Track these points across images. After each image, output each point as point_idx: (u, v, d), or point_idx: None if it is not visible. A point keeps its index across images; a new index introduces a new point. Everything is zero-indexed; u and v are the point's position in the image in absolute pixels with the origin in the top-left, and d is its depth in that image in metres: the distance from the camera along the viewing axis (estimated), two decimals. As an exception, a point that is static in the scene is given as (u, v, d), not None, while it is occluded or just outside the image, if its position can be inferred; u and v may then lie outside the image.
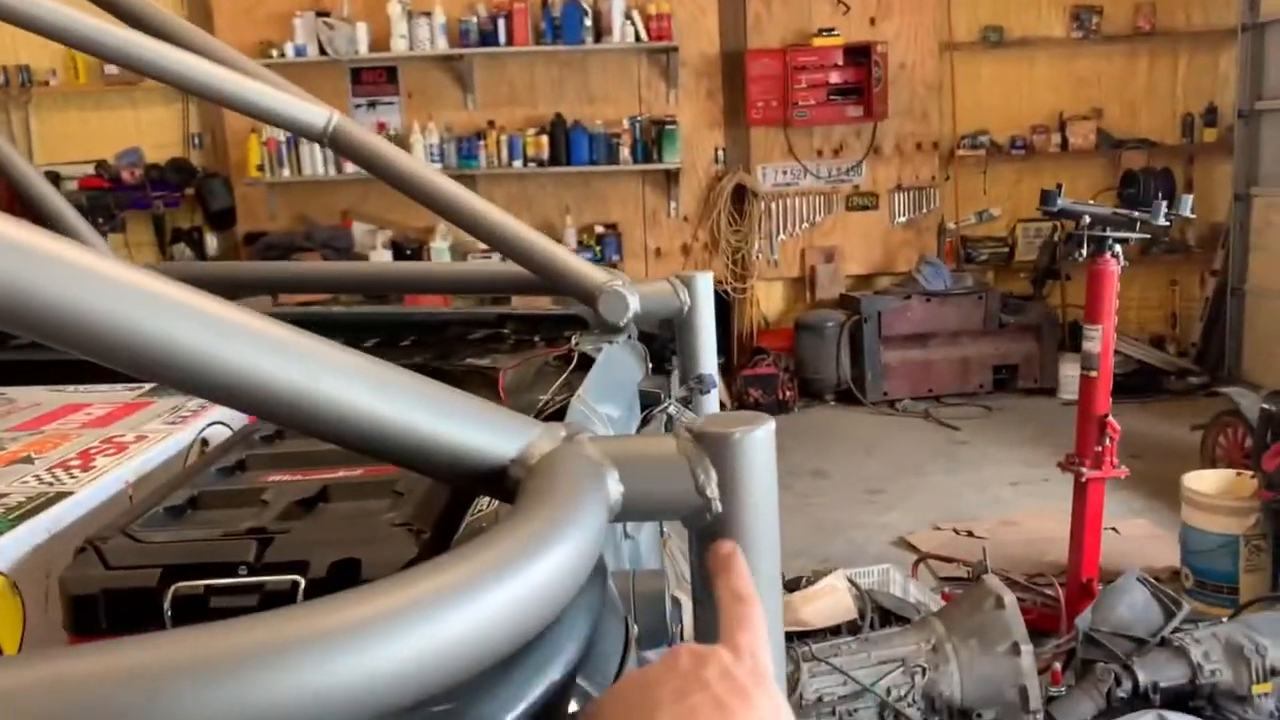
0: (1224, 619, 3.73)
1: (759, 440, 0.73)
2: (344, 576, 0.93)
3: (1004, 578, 3.71)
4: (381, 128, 7.58)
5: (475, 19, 7.58)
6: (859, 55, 7.76)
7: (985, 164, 8.22)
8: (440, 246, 7.64)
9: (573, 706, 0.69)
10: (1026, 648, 3.28)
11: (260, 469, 1.20)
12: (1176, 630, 3.52)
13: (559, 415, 1.20)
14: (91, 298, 0.53)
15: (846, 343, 7.82)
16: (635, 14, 7.58)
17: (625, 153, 7.79)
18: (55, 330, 0.53)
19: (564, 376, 1.48)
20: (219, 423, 1.42)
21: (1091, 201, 5.21)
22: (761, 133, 8.03)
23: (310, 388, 0.61)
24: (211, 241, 7.95)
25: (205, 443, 1.39)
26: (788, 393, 7.72)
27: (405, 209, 7.17)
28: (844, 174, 8.17)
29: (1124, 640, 3.50)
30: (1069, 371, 7.08)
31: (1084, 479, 4.14)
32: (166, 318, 0.56)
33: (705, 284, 1.76)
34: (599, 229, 7.98)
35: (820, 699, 3.21)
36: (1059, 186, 4.25)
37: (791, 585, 3.78)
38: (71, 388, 1.58)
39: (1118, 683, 3.38)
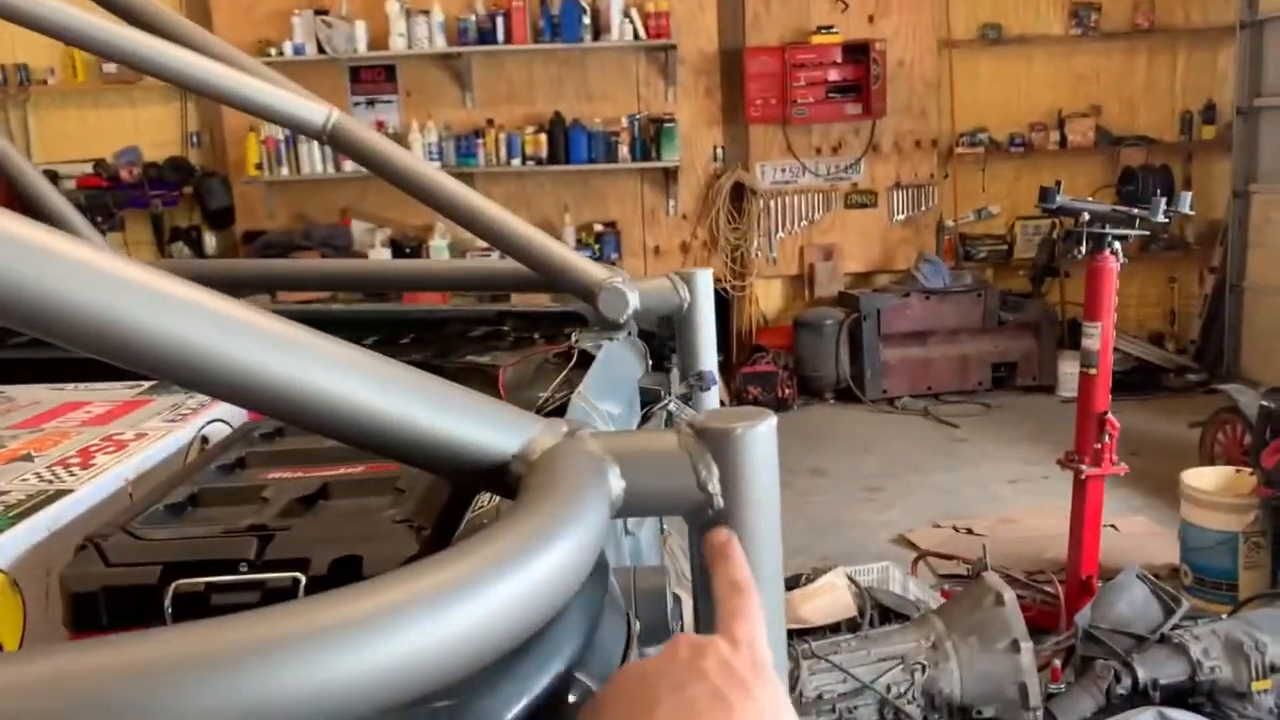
0: (1223, 616, 3.73)
1: (761, 436, 0.72)
2: (345, 573, 0.93)
3: (1003, 575, 3.71)
4: (380, 126, 7.57)
5: (474, 17, 7.58)
6: (857, 53, 7.75)
7: (984, 161, 8.22)
8: (439, 244, 7.63)
9: (571, 698, 0.68)
10: (1026, 645, 3.28)
11: (260, 466, 1.20)
12: (1176, 627, 3.52)
13: (559, 412, 1.20)
14: (91, 293, 0.53)
15: (845, 340, 7.81)
16: (634, 12, 7.58)
17: (624, 151, 7.79)
18: (55, 326, 0.53)
19: (564, 373, 1.48)
20: (219, 420, 1.42)
21: (1090, 199, 5.21)
22: (760, 130, 8.02)
23: (311, 383, 0.61)
24: (210, 240, 7.94)
25: (205, 440, 1.39)
26: (787, 391, 7.72)
27: (404, 207, 7.17)
28: (843, 172, 8.16)
29: (1124, 637, 3.50)
30: (1068, 369, 7.08)
31: (1083, 476, 4.14)
32: (166, 312, 0.56)
33: (705, 281, 1.76)
34: (598, 227, 7.98)
35: (820, 696, 3.22)
36: (1058, 184, 4.25)
37: (791, 583, 3.77)
38: (71, 386, 1.58)
39: (1117, 680, 3.38)
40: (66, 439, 1.33)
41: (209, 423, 1.41)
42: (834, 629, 3.53)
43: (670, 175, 7.99)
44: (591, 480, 0.67)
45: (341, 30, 7.52)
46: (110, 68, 7.46)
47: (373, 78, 7.83)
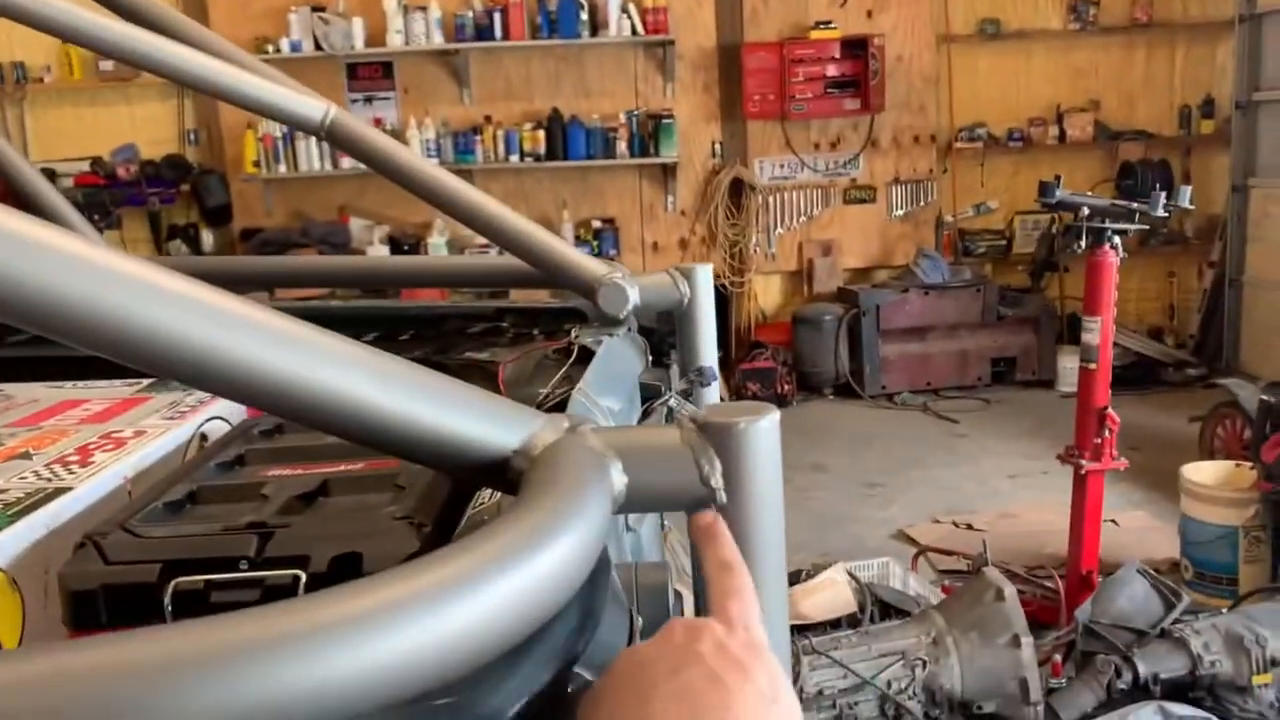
0: (1224, 610, 3.74)
1: (763, 430, 0.72)
2: (345, 571, 0.93)
3: (1004, 570, 3.71)
4: (378, 123, 7.56)
5: (471, 13, 7.57)
6: (856, 48, 7.75)
7: (983, 156, 8.22)
8: (437, 241, 7.63)
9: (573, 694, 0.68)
10: (1027, 640, 3.28)
11: (260, 463, 1.20)
12: (1176, 621, 3.53)
13: (560, 408, 1.19)
14: (90, 289, 0.53)
15: (844, 336, 7.81)
16: (631, 7, 7.57)
17: (622, 147, 7.79)
18: (53, 322, 0.53)
19: (564, 370, 1.48)
20: (218, 417, 1.42)
21: (1089, 193, 5.21)
22: (758, 126, 8.02)
23: (311, 379, 0.61)
24: (208, 238, 7.93)
25: (204, 437, 1.39)
26: (786, 386, 7.72)
27: (402, 204, 7.16)
28: (841, 167, 8.16)
29: (1124, 632, 3.50)
30: (1067, 364, 7.08)
31: (1083, 471, 4.14)
32: (165, 309, 0.55)
33: (705, 276, 1.75)
34: (596, 223, 7.98)
35: (821, 692, 3.22)
36: (1057, 178, 4.25)
37: (791, 579, 3.77)
38: (70, 384, 1.57)
39: (1118, 674, 3.39)
40: (65, 437, 1.32)
41: (208, 420, 1.41)
42: (834, 625, 3.53)
43: (669, 171, 7.98)
44: (593, 476, 0.67)
45: (339, 27, 7.51)
46: (107, 65, 7.45)
47: (370, 74, 7.82)
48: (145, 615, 0.91)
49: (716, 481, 0.71)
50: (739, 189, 8.05)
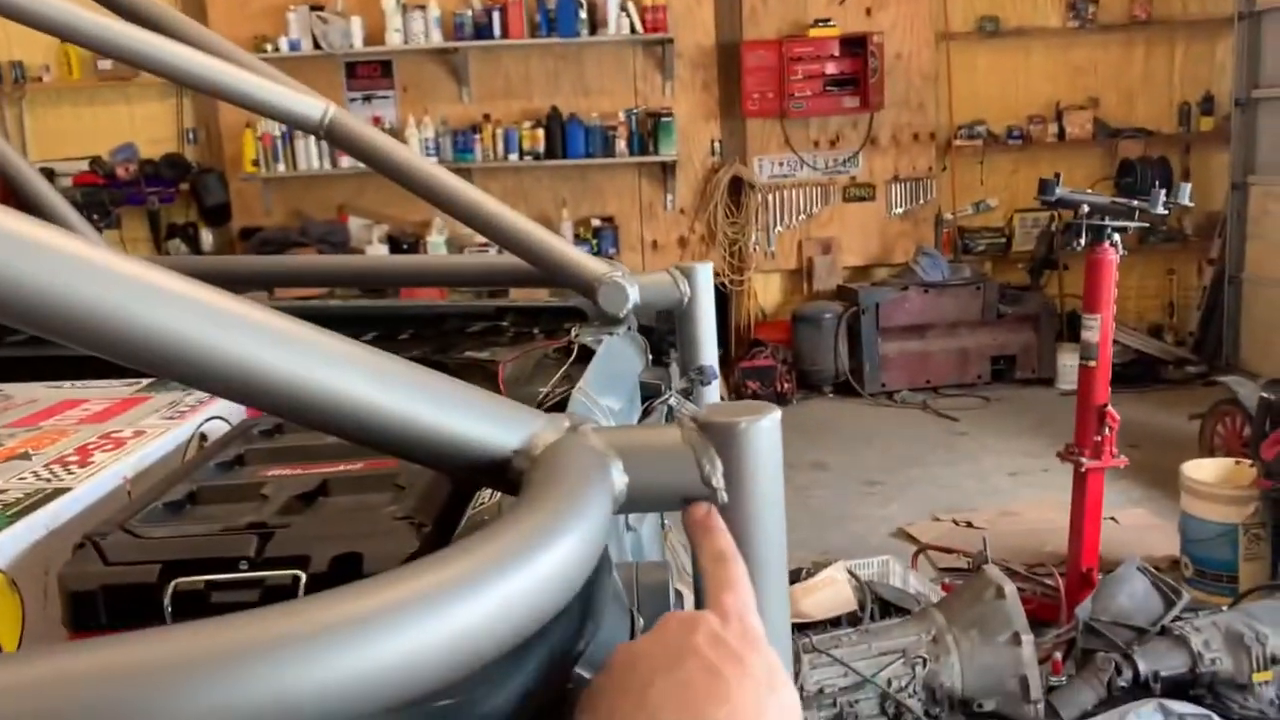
0: (1224, 607, 3.74)
1: (765, 430, 0.72)
2: (345, 571, 0.93)
3: (1004, 568, 3.71)
4: (377, 122, 7.56)
5: (470, 12, 7.56)
6: (855, 46, 7.74)
7: (982, 154, 8.22)
8: (436, 240, 7.62)
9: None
10: (1027, 638, 3.28)
11: (259, 463, 1.20)
12: (1177, 619, 3.53)
13: (560, 407, 1.19)
14: (88, 289, 0.52)
15: (844, 334, 7.81)
16: (630, 6, 7.56)
17: (621, 145, 7.78)
18: (52, 322, 0.52)
19: (564, 369, 1.48)
20: (217, 417, 1.42)
21: (1089, 191, 5.21)
22: (758, 124, 8.01)
23: (311, 379, 0.61)
24: (207, 237, 7.93)
25: (204, 437, 1.39)
26: (785, 385, 7.72)
27: (401, 203, 7.16)
28: (840, 165, 8.16)
29: (1124, 629, 3.51)
30: (1067, 361, 7.08)
31: (1083, 469, 4.14)
32: (164, 308, 0.55)
33: (705, 275, 1.75)
34: (595, 222, 7.98)
35: (821, 690, 3.22)
36: (1057, 176, 4.24)
37: (791, 577, 3.77)
38: (69, 383, 1.57)
39: (1118, 672, 3.39)
40: (64, 437, 1.32)
41: (207, 420, 1.40)
42: (834, 623, 3.53)
43: (668, 169, 7.98)
44: (594, 476, 0.67)
45: (337, 26, 7.51)
46: (106, 64, 7.44)
47: (369, 73, 7.81)
48: (145, 616, 0.91)
49: (718, 481, 0.71)
50: (738, 187, 8.04)
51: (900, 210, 8.25)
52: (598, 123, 7.76)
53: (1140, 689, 3.37)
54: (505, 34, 7.56)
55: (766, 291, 8.34)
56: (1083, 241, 4.06)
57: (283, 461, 1.18)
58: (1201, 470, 4.58)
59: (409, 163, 1.65)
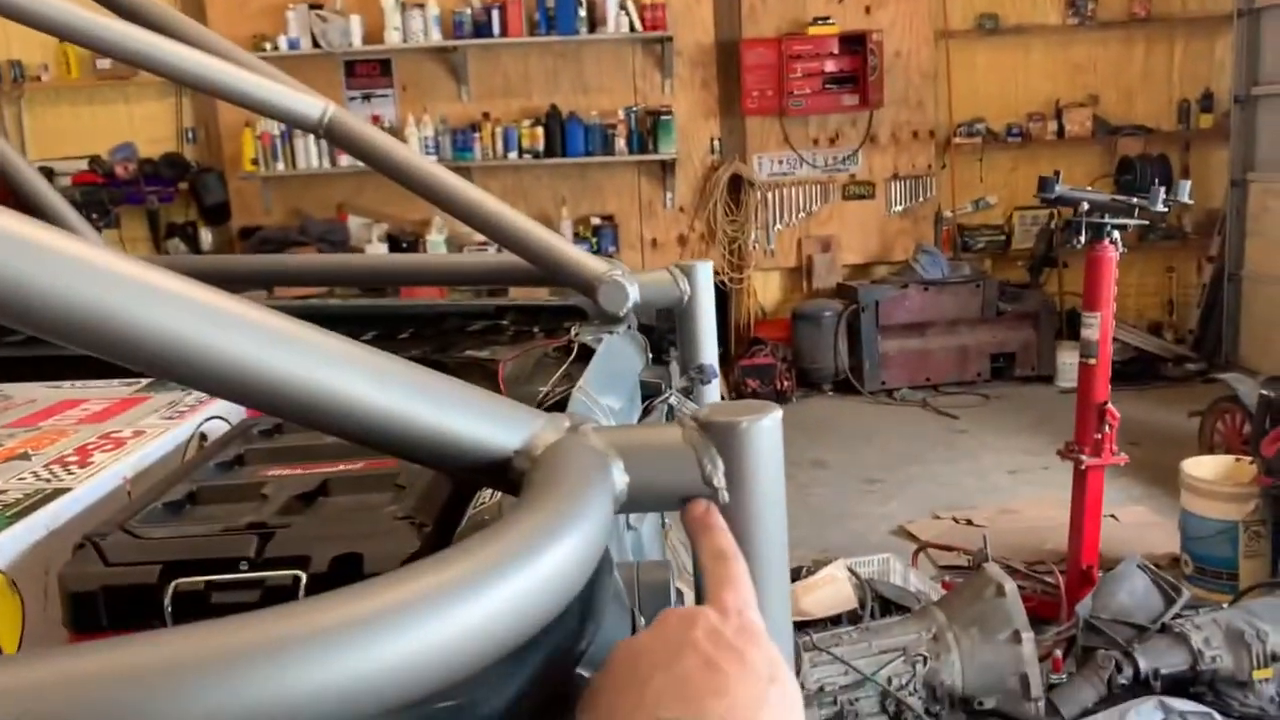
0: (1224, 605, 3.74)
1: (766, 429, 0.72)
2: (346, 571, 0.93)
3: (1004, 566, 3.71)
4: (376, 120, 7.56)
5: (469, 10, 7.56)
6: (854, 44, 7.74)
7: (981, 152, 8.21)
8: (436, 239, 7.62)
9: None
10: (1027, 635, 3.28)
11: (259, 463, 1.19)
12: (1177, 616, 3.53)
13: (560, 406, 1.19)
14: (87, 289, 0.52)
15: (844, 332, 7.81)
16: (630, 4, 7.56)
17: (621, 143, 7.78)
18: (51, 323, 0.52)
19: (564, 368, 1.48)
20: (217, 417, 1.41)
21: (1088, 188, 5.21)
22: (757, 122, 8.01)
23: (310, 379, 0.60)
24: (206, 236, 7.93)
25: (203, 437, 1.38)
26: (785, 383, 7.72)
27: (401, 202, 7.16)
28: (840, 163, 8.15)
29: (1125, 627, 3.50)
30: (1066, 359, 7.08)
31: (1083, 466, 4.14)
32: (163, 308, 0.55)
33: (705, 273, 1.75)
34: (595, 220, 7.97)
35: (822, 689, 3.22)
36: (1057, 173, 4.24)
37: (792, 575, 3.76)
38: (68, 383, 1.57)
39: (1119, 669, 3.39)
40: (64, 437, 1.32)
41: (207, 420, 1.40)
42: (835, 621, 3.53)
43: (667, 168, 7.97)
44: (596, 476, 0.67)
45: (336, 24, 7.50)
46: (104, 64, 7.44)
47: (368, 72, 7.80)
48: (145, 616, 0.91)
49: (719, 481, 0.70)
50: (738, 185, 8.04)
51: (900, 208, 8.25)
52: (597, 121, 7.76)
53: (1141, 686, 3.37)
54: (504, 32, 7.56)
55: (766, 290, 8.34)
56: (1082, 239, 4.05)
57: (283, 461, 1.18)
58: (1201, 467, 4.58)
59: (408, 161, 1.65)
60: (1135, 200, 4.06)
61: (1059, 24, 8.12)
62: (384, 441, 0.65)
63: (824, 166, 8.14)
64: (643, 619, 0.80)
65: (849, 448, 6.68)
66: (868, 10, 7.92)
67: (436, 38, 7.57)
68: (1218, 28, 7.96)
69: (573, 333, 1.62)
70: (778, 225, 8.17)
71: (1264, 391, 4.64)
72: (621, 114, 7.78)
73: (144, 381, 1.54)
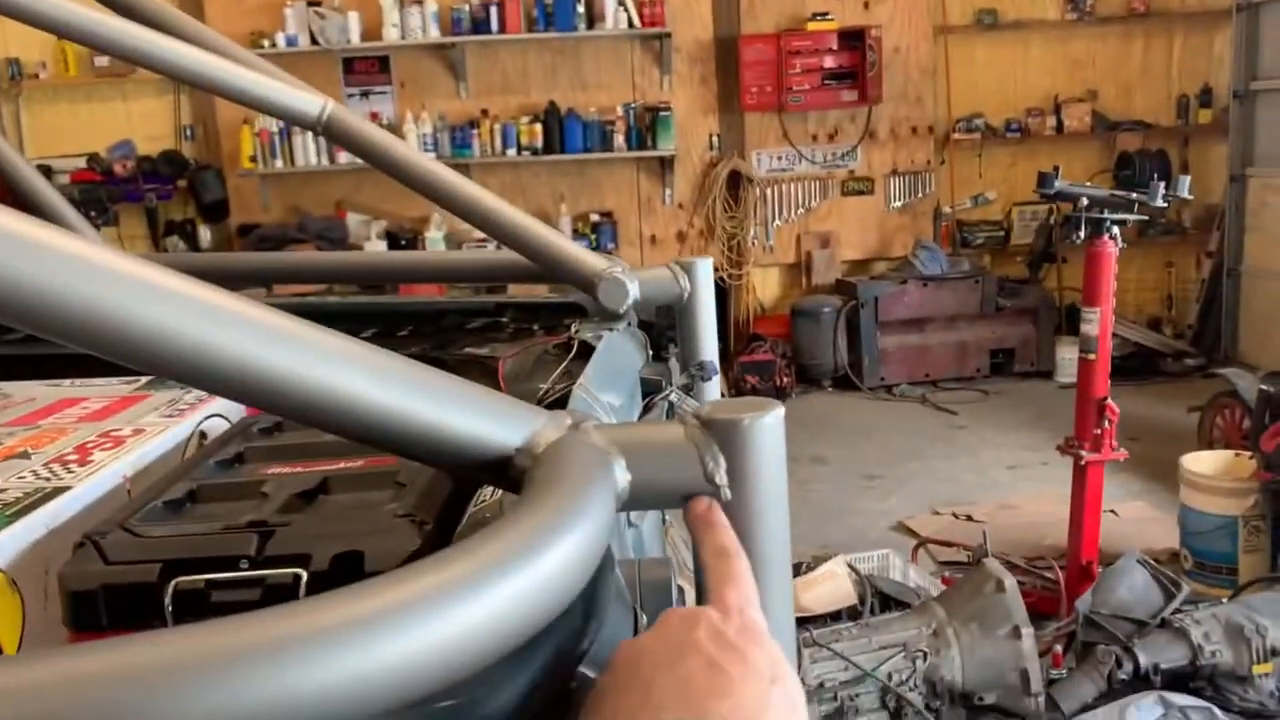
0: (1224, 600, 3.74)
1: (768, 426, 0.71)
2: (346, 569, 0.92)
3: (1004, 561, 3.71)
4: (374, 118, 7.55)
5: (467, 7, 7.55)
6: (853, 39, 7.73)
7: (980, 147, 8.21)
8: (435, 236, 7.61)
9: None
10: (1027, 631, 3.28)
11: (259, 461, 1.19)
12: (1177, 612, 3.53)
13: (560, 404, 1.19)
14: (86, 287, 0.52)
15: (843, 328, 7.81)
16: (628, 0, 7.55)
17: (619, 140, 7.77)
18: (50, 321, 0.52)
19: (564, 365, 1.47)
20: (217, 415, 1.41)
21: (1088, 184, 5.20)
22: (756, 118, 8.00)
23: (310, 377, 0.60)
24: (205, 234, 7.92)
25: (203, 435, 1.38)
26: (785, 379, 7.72)
27: (400, 199, 7.15)
28: (839, 159, 8.15)
29: (1124, 622, 3.51)
30: (1066, 354, 7.09)
31: (1083, 462, 4.14)
32: (162, 307, 0.55)
33: (705, 270, 1.74)
34: (594, 217, 7.97)
35: (822, 685, 3.22)
36: (1056, 169, 4.24)
37: (792, 571, 3.77)
38: (68, 382, 1.56)
39: (1119, 664, 3.39)
40: (63, 435, 1.31)
41: (207, 418, 1.40)
42: (835, 617, 3.53)
43: (666, 164, 7.97)
44: (597, 473, 0.66)
45: (334, 21, 7.49)
46: (102, 61, 7.43)
47: (366, 69, 7.79)
48: (146, 615, 0.91)
49: (721, 478, 0.70)
50: (737, 181, 8.04)
51: (899, 204, 8.25)
52: (596, 117, 7.75)
53: (1140, 681, 3.37)
54: (503, 28, 7.55)
55: (765, 286, 8.34)
56: (1081, 234, 4.05)
57: (283, 459, 1.18)
58: (1201, 463, 4.58)
59: (407, 158, 1.65)
60: (1134, 195, 4.06)
61: (1058, 19, 8.11)
62: (384, 439, 0.65)
63: (823, 162, 8.13)
64: (644, 617, 0.80)
65: (848, 444, 6.68)
66: (866, 6, 7.91)
67: (435, 34, 7.56)
68: (1216, 22, 7.96)
69: (573, 330, 1.62)
70: (777, 221, 8.17)
71: (1263, 386, 4.65)
72: (620, 110, 7.77)
73: (143, 380, 1.54)
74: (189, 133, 7.93)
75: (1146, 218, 4.22)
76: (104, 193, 7.54)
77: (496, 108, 7.79)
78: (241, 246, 7.63)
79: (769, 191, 8.11)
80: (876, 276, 8.11)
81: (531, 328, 1.82)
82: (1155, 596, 3.61)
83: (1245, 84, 7.53)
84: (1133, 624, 3.50)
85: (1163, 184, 4.04)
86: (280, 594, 0.91)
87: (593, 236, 7.81)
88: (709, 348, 1.74)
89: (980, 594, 3.37)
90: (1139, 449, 5.18)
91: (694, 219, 8.11)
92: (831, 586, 3.65)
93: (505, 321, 1.89)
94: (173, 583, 0.91)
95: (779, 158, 8.11)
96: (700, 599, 0.74)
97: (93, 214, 7.11)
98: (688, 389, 1.54)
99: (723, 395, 2.62)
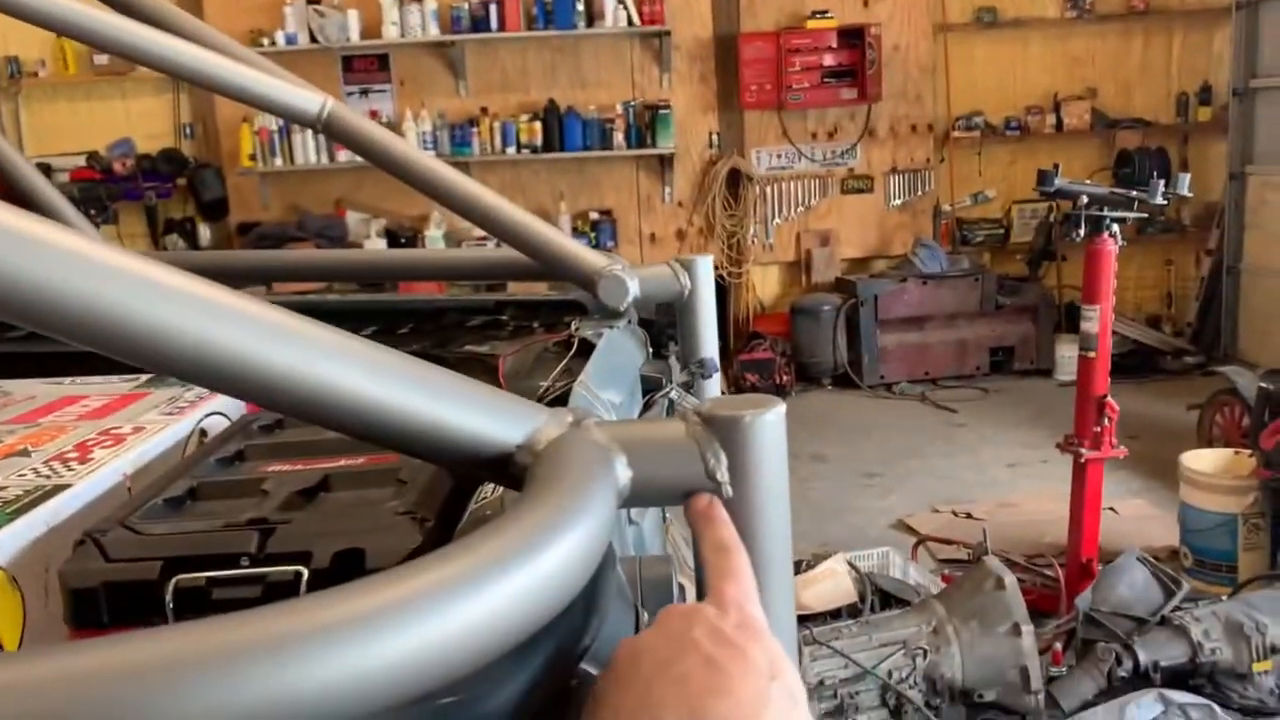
0: (1223, 597, 3.74)
1: (770, 423, 0.71)
2: (347, 566, 0.92)
3: (1003, 559, 3.71)
4: (374, 116, 7.53)
5: (467, 5, 7.54)
6: (852, 37, 7.73)
7: (980, 145, 8.21)
8: (435, 234, 7.61)
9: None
10: (1027, 628, 3.28)
11: (260, 459, 1.19)
12: (1176, 609, 3.53)
13: (561, 401, 1.19)
14: (86, 284, 0.52)
15: (843, 326, 7.81)
16: (628, -2, 7.55)
17: (619, 138, 7.77)
18: (50, 319, 0.52)
19: (564, 362, 1.47)
20: (217, 413, 1.41)
21: (1087, 181, 5.20)
22: (755, 116, 8.00)
23: (311, 374, 0.60)
24: (204, 232, 7.92)
25: (204, 433, 1.38)
26: (784, 377, 7.72)
27: (399, 197, 7.15)
28: (838, 157, 8.15)
29: (1124, 620, 3.51)
30: (1065, 352, 7.09)
31: (1083, 459, 4.14)
32: (162, 304, 0.55)
33: (705, 267, 1.75)
34: (593, 215, 7.96)
35: (822, 682, 3.22)
36: (1056, 167, 4.24)
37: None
38: (68, 379, 1.56)
39: (1118, 662, 3.39)
40: (64, 433, 1.31)
41: (207, 415, 1.40)
42: (835, 615, 3.53)
43: (666, 162, 7.97)
44: (599, 471, 0.66)
45: (334, 19, 7.49)
46: (102, 59, 7.42)
47: (366, 67, 7.79)
48: (146, 613, 0.91)
49: (722, 475, 0.70)
50: (736, 179, 8.03)
51: (898, 202, 8.24)
52: (595, 115, 7.75)
53: (1140, 679, 3.38)
54: (502, 26, 7.55)
55: (765, 284, 8.34)
56: (1081, 232, 4.05)
57: (283, 457, 1.18)
58: (1200, 460, 4.58)
59: (407, 156, 1.65)
60: (1134, 193, 4.06)
61: (1057, 17, 8.11)
62: (385, 436, 0.65)
63: (822, 160, 8.13)
64: (645, 614, 0.80)
65: (848, 442, 6.68)
66: (865, 4, 7.91)
67: (434, 32, 7.56)
68: (1216, 20, 7.96)
69: (573, 327, 1.62)
70: (776, 219, 8.17)
71: (1263, 384, 4.65)
72: (619, 108, 7.76)
73: (144, 377, 1.54)
74: (188, 131, 7.92)
75: (1146, 215, 4.22)
76: (103, 191, 7.54)
77: (496, 106, 7.78)
78: (241, 245, 7.63)
79: (768, 189, 8.11)
80: (876, 274, 8.11)
81: (531, 325, 1.82)
82: (1155, 594, 3.61)
83: (1245, 82, 7.52)
84: (1132, 621, 3.50)
85: (1162, 182, 4.04)
86: (281, 591, 0.91)
87: (592, 235, 7.81)
88: (709, 345, 1.74)
89: (980, 591, 3.37)
90: (1139, 447, 5.18)
91: (694, 217, 8.11)
92: (831, 584, 3.65)
93: (505, 319, 1.89)
94: (173, 580, 0.92)
95: (778, 156, 8.11)
96: (700, 595, 0.74)
97: (92, 212, 7.09)
98: (688, 386, 1.54)
99: (723, 393, 2.62)
